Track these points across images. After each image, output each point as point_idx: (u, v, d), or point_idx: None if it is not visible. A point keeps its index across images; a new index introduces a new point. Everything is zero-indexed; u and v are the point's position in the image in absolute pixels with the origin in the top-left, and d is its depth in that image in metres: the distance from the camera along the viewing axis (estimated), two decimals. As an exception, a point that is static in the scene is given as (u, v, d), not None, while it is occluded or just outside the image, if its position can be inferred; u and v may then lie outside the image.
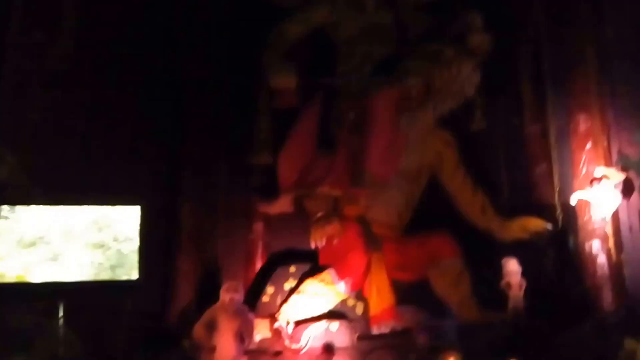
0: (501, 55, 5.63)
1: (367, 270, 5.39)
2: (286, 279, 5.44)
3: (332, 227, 5.30)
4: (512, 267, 5.04)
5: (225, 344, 4.59)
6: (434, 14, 5.64)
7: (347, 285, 5.29)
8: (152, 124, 5.44)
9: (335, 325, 5.07)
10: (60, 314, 4.38)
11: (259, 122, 5.43)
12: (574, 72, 5.11)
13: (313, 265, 5.45)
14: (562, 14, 5.27)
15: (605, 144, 4.99)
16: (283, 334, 4.97)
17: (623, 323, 4.53)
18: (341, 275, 5.27)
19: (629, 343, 4.22)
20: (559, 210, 5.27)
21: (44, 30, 4.74)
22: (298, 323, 5.08)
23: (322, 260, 5.44)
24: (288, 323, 5.05)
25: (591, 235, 4.91)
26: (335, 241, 5.35)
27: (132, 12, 5.23)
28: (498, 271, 5.11)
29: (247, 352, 4.77)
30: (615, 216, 4.87)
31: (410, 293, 5.52)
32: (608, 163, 4.93)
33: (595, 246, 4.89)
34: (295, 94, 5.34)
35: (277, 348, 4.97)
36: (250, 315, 4.84)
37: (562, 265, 5.34)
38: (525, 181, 5.69)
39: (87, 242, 4.60)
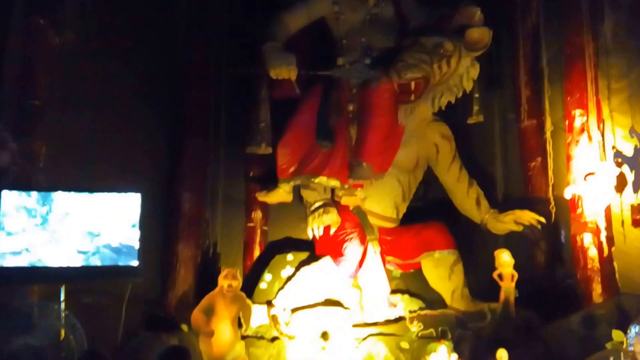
0: (499, 50, 5.67)
1: (363, 259, 5.48)
2: (283, 267, 5.53)
3: (329, 217, 5.37)
4: (505, 258, 5.12)
5: (223, 330, 4.67)
6: (434, 8, 5.66)
7: (343, 274, 5.38)
8: (153, 112, 5.47)
9: (331, 312, 5.16)
10: (62, 298, 4.44)
11: (258, 112, 5.44)
12: (570, 68, 5.14)
13: (310, 254, 5.54)
14: (560, 10, 5.28)
15: (599, 139, 5.03)
16: (280, 321, 5.07)
17: (612, 315, 4.61)
18: (337, 264, 5.36)
19: (617, 335, 4.30)
20: (552, 204, 5.34)
21: (46, 16, 4.73)
22: (294, 310, 5.17)
23: (318, 249, 5.52)
24: (285, 310, 5.15)
25: (583, 228, 4.97)
26: (332, 231, 5.43)
27: (132, 1, 5.23)
28: (491, 262, 5.20)
29: (244, 338, 4.87)
30: (608, 211, 4.94)
31: (404, 282, 5.64)
32: (602, 158, 4.98)
33: (587, 239, 4.96)
34: (295, 85, 5.35)
35: (274, 334, 5.07)
36: (248, 301, 4.92)
37: (554, 258, 5.43)
38: (520, 175, 5.77)
39: (88, 227, 4.65)
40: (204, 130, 5.71)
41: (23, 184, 4.57)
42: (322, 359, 4.80)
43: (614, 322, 4.45)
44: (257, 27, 5.69)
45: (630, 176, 4.81)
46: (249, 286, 5.31)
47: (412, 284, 5.58)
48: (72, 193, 4.60)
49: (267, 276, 5.52)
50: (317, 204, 5.44)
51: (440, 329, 4.95)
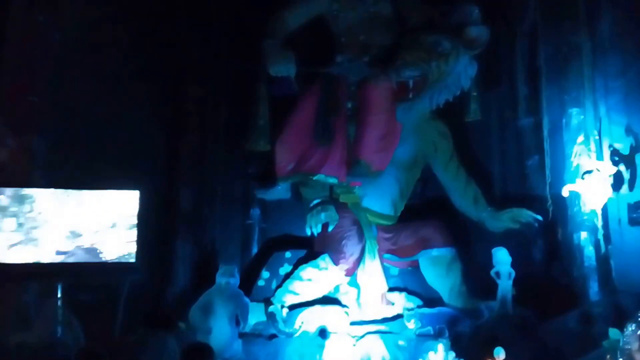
0: (497, 49, 5.69)
1: (361, 257, 5.49)
2: (281, 264, 5.54)
3: (328, 215, 5.37)
4: (502, 256, 5.13)
5: (220, 327, 4.68)
6: (432, 6, 5.67)
7: (340, 271, 5.39)
8: (152, 111, 5.48)
9: (328, 310, 5.17)
10: (59, 294, 4.44)
11: (257, 109, 5.46)
12: (567, 66, 5.16)
13: (308, 252, 5.54)
14: (557, 9, 5.30)
15: (596, 137, 5.06)
16: (277, 318, 5.07)
17: (608, 313, 4.62)
18: (335, 262, 5.37)
19: (614, 333, 4.31)
20: (549, 202, 5.35)
21: (46, 13, 4.73)
22: (292, 308, 5.18)
23: (317, 247, 5.53)
24: (282, 307, 5.15)
25: (580, 227, 5.00)
26: (330, 228, 5.43)
27: (133, -1, 5.24)
28: (488, 260, 5.21)
29: (242, 335, 4.87)
30: (605, 209, 4.95)
31: (402, 280, 5.64)
32: (599, 157, 5.00)
33: (583, 237, 4.98)
34: (294, 83, 5.36)
35: (271, 332, 5.07)
36: (246, 299, 4.93)
37: (551, 256, 5.45)
38: (517, 173, 5.79)
39: (86, 225, 4.65)
40: (202, 128, 5.72)
41: (22, 181, 4.58)
42: (320, 357, 4.80)
43: (610, 320, 4.45)
44: (256, 24, 5.69)
45: (626, 174, 4.83)
46: (247, 283, 5.31)
47: (409, 281, 5.58)
48: (71, 190, 4.61)
49: (265, 273, 5.53)
50: (315, 202, 5.46)
51: (437, 326, 4.95)
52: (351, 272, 5.45)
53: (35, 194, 4.53)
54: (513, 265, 5.10)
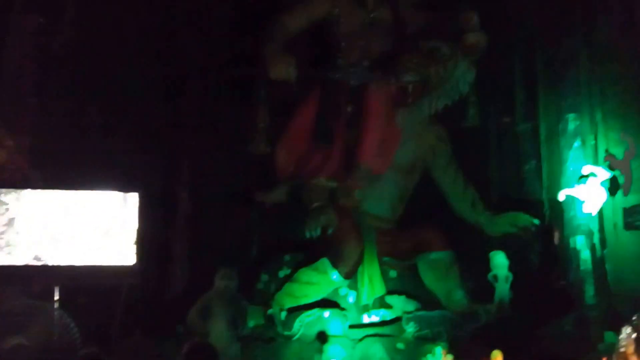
0: (495, 55, 5.75)
1: (360, 260, 5.50)
2: (280, 267, 5.53)
3: (327, 218, 5.39)
4: (500, 260, 5.18)
5: (218, 330, 4.67)
6: (431, 12, 5.72)
7: (339, 274, 5.39)
8: (152, 112, 5.47)
9: (327, 313, 5.18)
10: (56, 297, 4.41)
11: (258, 112, 5.46)
12: (564, 73, 5.23)
13: (307, 255, 5.54)
14: (555, 17, 5.37)
15: (593, 143, 5.12)
16: (276, 321, 5.07)
17: (604, 317, 4.67)
18: (334, 265, 5.38)
19: (609, 336, 4.36)
20: (546, 206, 5.41)
21: (44, 15, 4.72)
22: (291, 311, 5.18)
23: (316, 250, 5.53)
24: (281, 310, 5.15)
25: (576, 231, 5.05)
26: (329, 231, 5.44)
27: (132, 1, 5.23)
28: (486, 264, 5.25)
29: (240, 339, 4.86)
30: (600, 213, 5.01)
31: (400, 283, 5.66)
32: (595, 162, 5.06)
33: (579, 241, 5.03)
34: (294, 86, 5.38)
35: (270, 335, 5.07)
36: (244, 302, 4.92)
37: (548, 260, 5.50)
38: (514, 177, 5.84)
39: (84, 227, 4.63)
40: (202, 131, 5.71)
41: (20, 182, 4.55)
42: (319, 360, 4.81)
43: (606, 324, 4.50)
44: (257, 28, 5.71)
45: (622, 179, 4.89)
46: (246, 287, 5.30)
47: (408, 284, 5.61)
48: (70, 192, 4.59)
49: (264, 277, 5.52)
50: (314, 205, 5.46)
51: (435, 329, 4.97)
52: (350, 275, 5.46)
53: (33, 195, 4.50)
54: (510, 269, 5.15)
